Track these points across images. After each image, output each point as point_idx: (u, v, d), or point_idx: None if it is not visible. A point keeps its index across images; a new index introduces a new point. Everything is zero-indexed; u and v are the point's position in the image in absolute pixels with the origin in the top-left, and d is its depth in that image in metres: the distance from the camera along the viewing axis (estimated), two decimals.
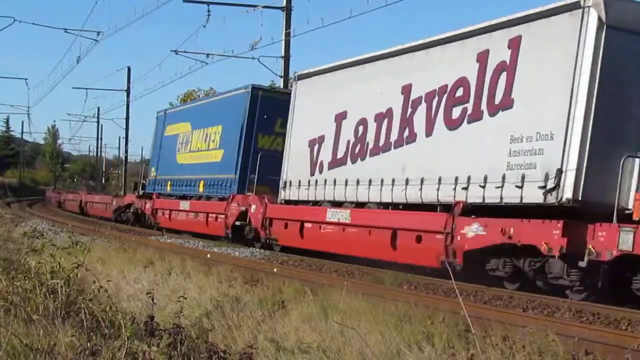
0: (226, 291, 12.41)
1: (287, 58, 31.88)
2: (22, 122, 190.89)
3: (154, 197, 36.04)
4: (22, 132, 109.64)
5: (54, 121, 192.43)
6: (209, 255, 20.39)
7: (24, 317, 8.80)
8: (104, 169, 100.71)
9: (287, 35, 31.45)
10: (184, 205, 31.98)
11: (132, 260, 16.93)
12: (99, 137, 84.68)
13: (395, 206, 19.72)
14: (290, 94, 25.79)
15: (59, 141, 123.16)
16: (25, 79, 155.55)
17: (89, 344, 7.40)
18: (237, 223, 26.47)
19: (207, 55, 35.36)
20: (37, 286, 10.05)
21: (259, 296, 11.44)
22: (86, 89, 66.04)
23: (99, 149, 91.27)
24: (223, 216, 27.72)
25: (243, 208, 26.06)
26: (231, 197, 27.24)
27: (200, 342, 8.49)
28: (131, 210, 40.41)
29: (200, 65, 36.20)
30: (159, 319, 8.84)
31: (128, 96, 59.98)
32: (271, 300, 11.03)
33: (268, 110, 27.20)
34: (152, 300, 9.39)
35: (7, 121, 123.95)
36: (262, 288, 12.27)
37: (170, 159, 35.21)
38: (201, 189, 31.04)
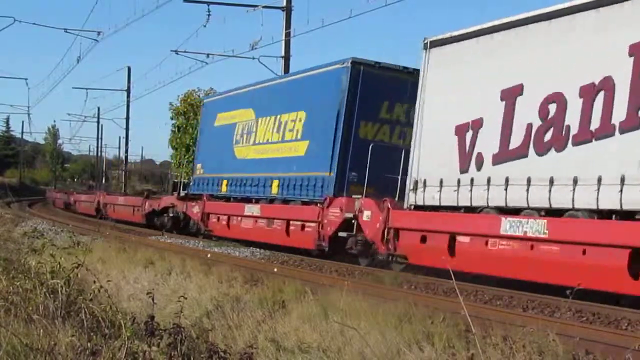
0: (226, 291, 12.42)
1: (287, 58, 31.85)
2: (22, 122, 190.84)
3: (204, 199, 29.63)
4: (22, 132, 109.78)
5: (54, 121, 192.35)
6: (209, 255, 20.39)
7: (24, 317, 8.81)
8: (104, 169, 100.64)
9: (287, 35, 31.44)
10: (252, 209, 25.89)
11: (132, 260, 16.94)
12: (99, 137, 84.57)
13: (625, 214, 14.20)
14: (398, 70, 21.92)
15: (59, 141, 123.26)
16: (25, 79, 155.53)
17: (89, 344, 7.41)
18: (343, 234, 20.86)
19: (207, 55, 35.27)
20: (37, 286, 10.07)
21: (259, 296, 11.45)
22: (86, 89, 65.91)
23: (99, 149, 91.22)
24: (314, 224, 22.09)
25: (349, 215, 20.43)
26: (327, 200, 21.55)
27: (200, 342, 8.51)
28: (170, 215, 33.87)
29: (200, 65, 36.00)
30: (159, 318, 8.86)
31: (128, 96, 60.03)
32: (271, 300, 11.03)
33: (372, 91, 21.90)
34: (152, 300, 9.40)
35: (7, 121, 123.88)
36: (262, 288, 12.28)
37: (224, 154, 29.14)
38: (274, 190, 25.17)
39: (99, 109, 77.84)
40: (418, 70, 19.93)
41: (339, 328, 8.76)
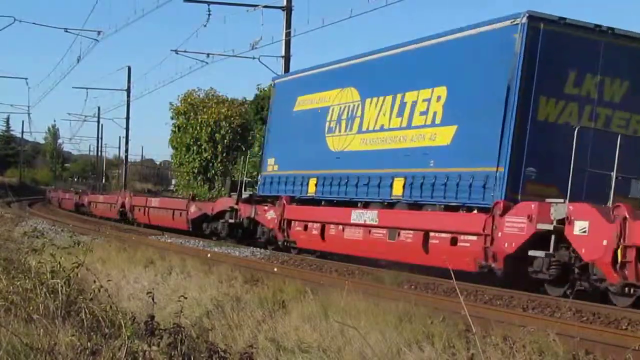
0: (226, 291, 12.42)
1: (287, 58, 31.83)
2: (23, 122, 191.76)
3: (284, 202, 23.76)
4: (23, 132, 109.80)
5: (54, 121, 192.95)
6: (209, 255, 20.39)
7: (24, 317, 8.82)
8: (104, 169, 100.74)
9: (288, 35, 31.42)
10: (364, 216, 20.09)
11: (132, 259, 16.94)
12: (100, 136, 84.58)
13: None
14: (589, 28, 16.66)
15: (59, 141, 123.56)
16: (26, 79, 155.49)
17: (89, 344, 7.42)
18: (537, 253, 15.08)
19: (208, 54, 35.27)
20: (37, 286, 10.07)
21: (259, 296, 11.45)
22: (86, 88, 65.82)
23: (99, 149, 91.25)
24: (476, 238, 16.40)
25: (545, 226, 14.93)
26: (502, 205, 15.87)
27: (200, 342, 8.51)
28: (228, 220, 27.94)
29: (200, 65, 36.06)
30: (160, 318, 8.86)
31: (128, 96, 60.00)
32: (272, 299, 11.04)
33: (555, 57, 16.62)
34: (153, 299, 9.41)
35: (7, 121, 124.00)
36: (262, 288, 12.28)
37: (311, 146, 23.63)
38: (397, 191, 19.29)
39: (99, 108, 77.84)
40: (614, 29, 16.60)
41: (339, 328, 8.77)
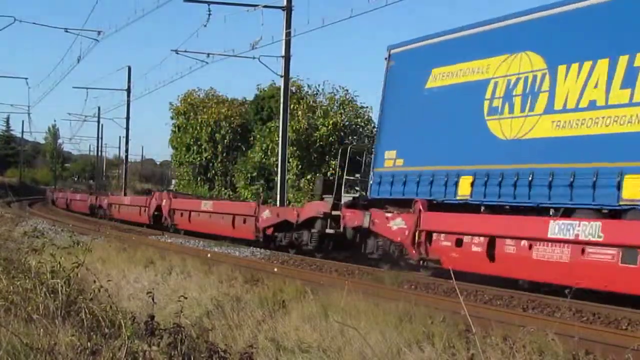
0: (227, 291, 12.42)
1: (287, 58, 31.79)
2: (23, 122, 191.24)
3: (419, 207, 18.42)
4: (23, 132, 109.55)
5: (55, 121, 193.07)
6: (209, 255, 20.39)
7: (24, 317, 8.82)
8: (104, 169, 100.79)
9: (288, 35, 31.38)
10: (575, 229, 14.60)
11: (132, 259, 16.95)
12: (100, 136, 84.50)
13: None
14: None
15: (60, 141, 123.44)
16: (26, 79, 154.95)
17: (89, 344, 7.42)
18: None
19: (208, 54, 35.17)
20: (37, 286, 10.07)
21: (259, 296, 11.45)
22: (87, 88, 65.57)
23: (99, 149, 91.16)
24: None
25: None
26: None
27: (200, 342, 8.51)
28: (321, 229, 22.46)
29: (200, 65, 35.95)
30: (160, 318, 8.86)
31: (128, 95, 59.88)
32: (272, 299, 11.04)
33: None
34: (153, 299, 9.40)
35: (7, 121, 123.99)
36: (262, 288, 12.28)
37: (459, 132, 18.30)
38: (633, 194, 14.16)
39: (99, 108, 77.64)
40: None
41: (339, 328, 8.77)
